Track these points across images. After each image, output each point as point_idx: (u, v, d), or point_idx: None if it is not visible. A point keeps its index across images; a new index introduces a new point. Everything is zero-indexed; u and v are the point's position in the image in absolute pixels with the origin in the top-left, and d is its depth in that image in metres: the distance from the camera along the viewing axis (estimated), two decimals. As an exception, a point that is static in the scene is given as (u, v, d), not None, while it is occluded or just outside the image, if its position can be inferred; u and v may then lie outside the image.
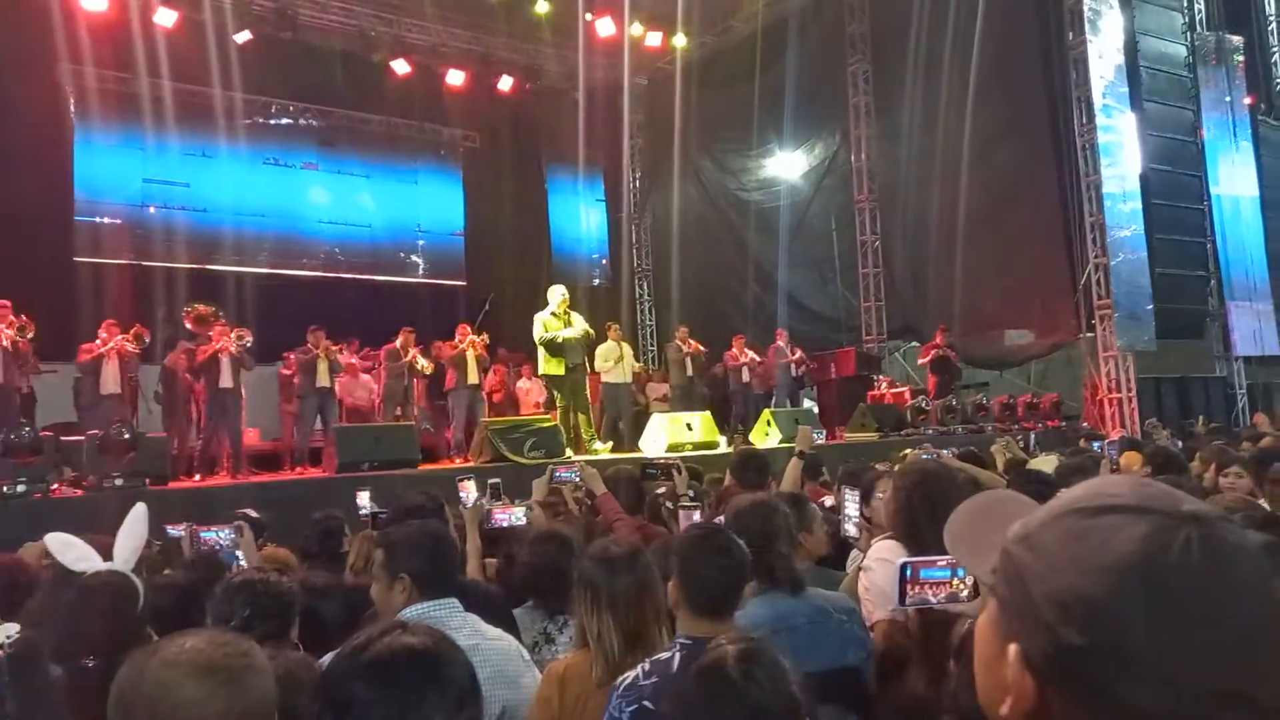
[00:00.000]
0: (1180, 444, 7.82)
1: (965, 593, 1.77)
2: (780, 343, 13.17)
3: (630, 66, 18.93)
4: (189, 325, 10.55)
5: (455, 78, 16.47)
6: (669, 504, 4.25)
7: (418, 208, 17.05)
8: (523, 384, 12.62)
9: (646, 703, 2.04)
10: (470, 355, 10.62)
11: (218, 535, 3.88)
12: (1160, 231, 13.93)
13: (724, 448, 9.95)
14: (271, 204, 15.38)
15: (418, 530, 2.46)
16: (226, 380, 9.26)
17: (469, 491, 4.37)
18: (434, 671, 1.30)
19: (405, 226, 16.89)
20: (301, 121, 15.83)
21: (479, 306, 15.00)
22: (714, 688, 1.65)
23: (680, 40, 17.09)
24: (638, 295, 20.21)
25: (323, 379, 10.01)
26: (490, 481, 4.65)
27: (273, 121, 15.62)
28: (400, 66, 15.57)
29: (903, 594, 1.81)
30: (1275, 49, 17.53)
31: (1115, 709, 0.67)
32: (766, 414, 10.60)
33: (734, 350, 13.01)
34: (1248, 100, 15.98)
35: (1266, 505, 3.75)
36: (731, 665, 1.67)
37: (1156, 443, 7.12)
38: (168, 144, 13.85)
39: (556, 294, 10.36)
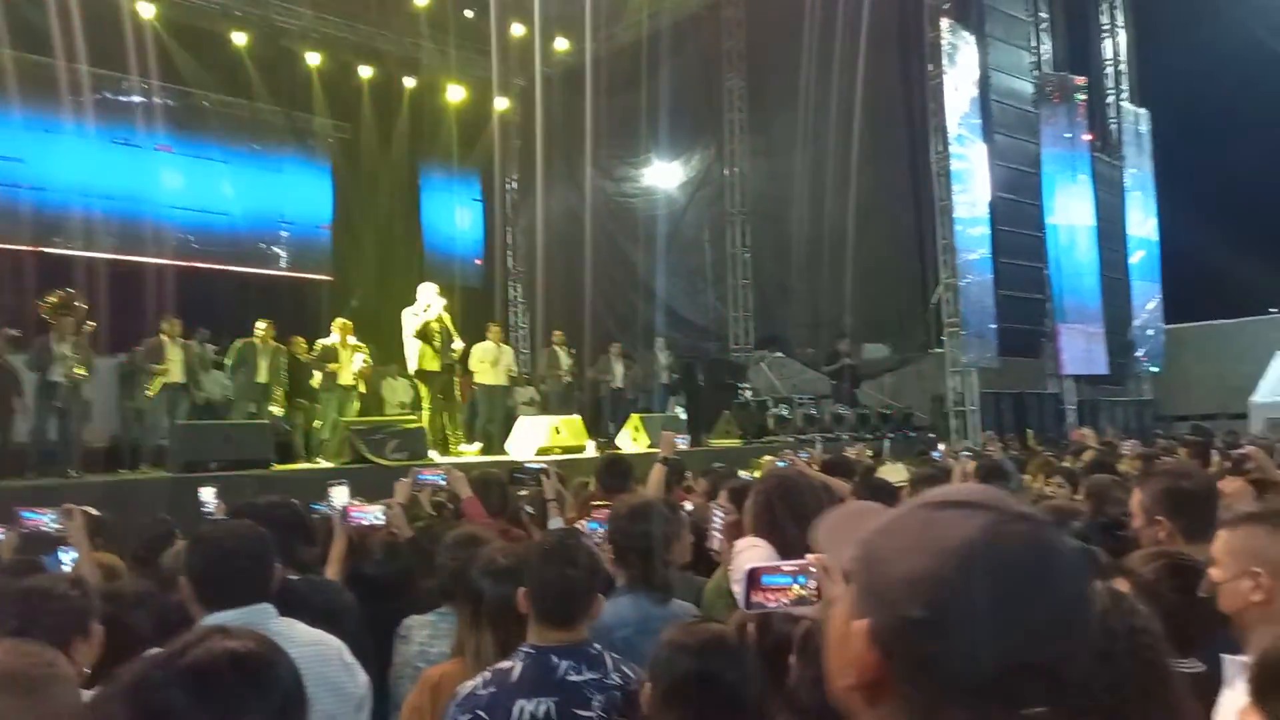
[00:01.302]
0: (1013, 455, 8.42)
1: (809, 597, 1.84)
2: (657, 350, 13.36)
3: (511, 67, 18.81)
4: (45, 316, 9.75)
5: (327, 65, 15.93)
6: (529, 508, 4.26)
7: (282, 197, 16.37)
8: (388, 383, 12.32)
9: (481, 713, 2.00)
10: (345, 354, 10.21)
11: (42, 518, 3.59)
12: (1004, 256, 14.92)
13: (593, 452, 10.02)
14: (120, 186, 14.44)
15: (212, 532, 2.29)
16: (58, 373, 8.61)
17: (339, 496, 4.25)
18: (256, 676, 1.26)
19: (267, 216, 16.18)
20: (156, 101, 14.93)
21: (345, 302, 14.54)
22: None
23: (562, 44, 17.12)
24: (510, 298, 20.07)
25: (174, 373, 9.48)
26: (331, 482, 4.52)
27: (123, 99, 14.67)
28: (268, 50, 14.93)
29: (747, 599, 1.82)
30: (1111, 91, 19.08)
31: (940, 677, 0.74)
32: (635, 419, 10.73)
33: (607, 355, 13.12)
34: (1086, 137, 17.31)
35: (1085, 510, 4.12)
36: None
37: (989, 454, 7.63)
38: (5, 115, 12.83)
39: (427, 292, 10.18)
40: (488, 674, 2.08)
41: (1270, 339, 17.43)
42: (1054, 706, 0.75)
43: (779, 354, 16.97)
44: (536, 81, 16.45)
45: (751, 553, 2.50)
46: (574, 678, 2.06)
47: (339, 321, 10.39)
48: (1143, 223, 19.01)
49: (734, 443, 11.49)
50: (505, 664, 2.09)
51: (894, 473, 5.55)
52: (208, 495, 4.70)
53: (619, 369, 12.95)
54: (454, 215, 18.91)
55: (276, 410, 10.27)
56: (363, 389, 10.33)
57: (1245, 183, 21.41)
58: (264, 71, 15.13)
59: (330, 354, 10.06)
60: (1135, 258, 18.55)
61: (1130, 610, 1.56)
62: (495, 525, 4.07)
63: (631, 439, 10.34)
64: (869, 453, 7.62)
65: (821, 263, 15.28)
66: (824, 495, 2.69)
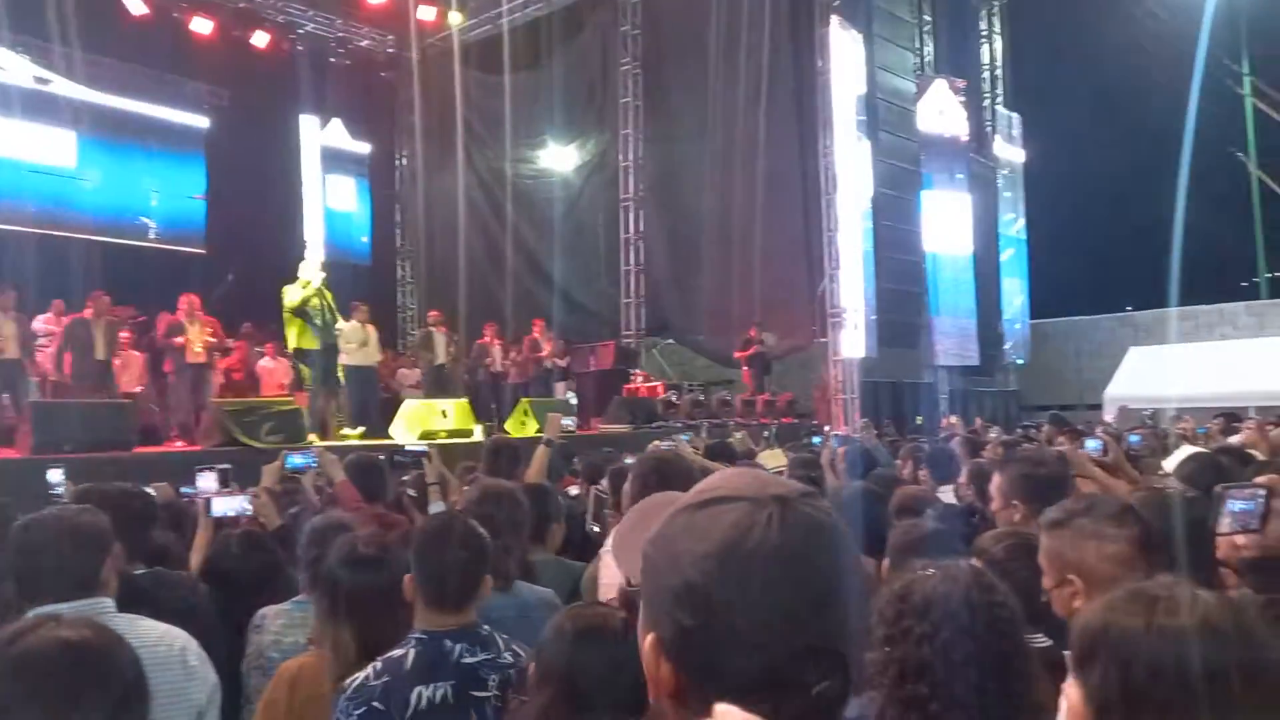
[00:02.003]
0: (890, 441, 8.75)
1: None
2: (536, 334, 13.20)
3: (403, 38, 18.29)
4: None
5: (202, 26, 15.10)
6: (411, 492, 4.16)
7: (152, 166, 15.43)
8: (265, 363, 11.82)
9: (376, 704, 1.96)
10: (194, 330, 9.68)
11: None
12: (885, 250, 15.46)
13: (480, 436, 9.87)
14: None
15: (33, 519, 2.09)
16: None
17: (205, 483, 4.04)
18: (93, 667, 1.19)
19: (135, 186, 15.23)
20: (13, 57, 13.83)
21: (220, 277, 13.87)
22: None
23: (455, 18, 16.73)
24: (400, 276, 19.59)
25: (10, 349, 8.83)
26: (219, 467, 4.31)
27: (-27, 51, 13.52)
28: (137, 7, 14.03)
29: (631, 578, 1.86)
30: (987, 94, 19.98)
31: (725, 679, 0.75)
32: (524, 403, 10.62)
33: (484, 339, 12.92)
34: (963, 138, 18.08)
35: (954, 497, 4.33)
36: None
37: (860, 441, 7.89)
38: None
39: (309, 268, 9.81)
40: (379, 664, 2.03)
41: (1124, 335, 18.71)
42: (840, 676, 0.76)
43: (670, 340, 17.14)
44: (458, 56, 15.98)
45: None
46: (469, 660, 2.06)
47: (184, 297, 9.86)
48: (1013, 222, 20.04)
49: (624, 428, 11.53)
50: (396, 652, 2.05)
51: (774, 458, 5.68)
52: (56, 478, 4.42)
53: (495, 352, 12.80)
54: (341, 190, 18.26)
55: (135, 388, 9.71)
56: (217, 366, 9.86)
57: (1107, 188, 22.83)
58: (135, 29, 14.21)
59: (176, 330, 9.54)
60: (1005, 255, 19.55)
61: (990, 587, 1.61)
62: (372, 510, 3.96)
63: (521, 423, 10.24)
64: (765, 436, 7.78)
65: (714, 251, 15.49)
66: (699, 478, 2.71)
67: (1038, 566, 1.99)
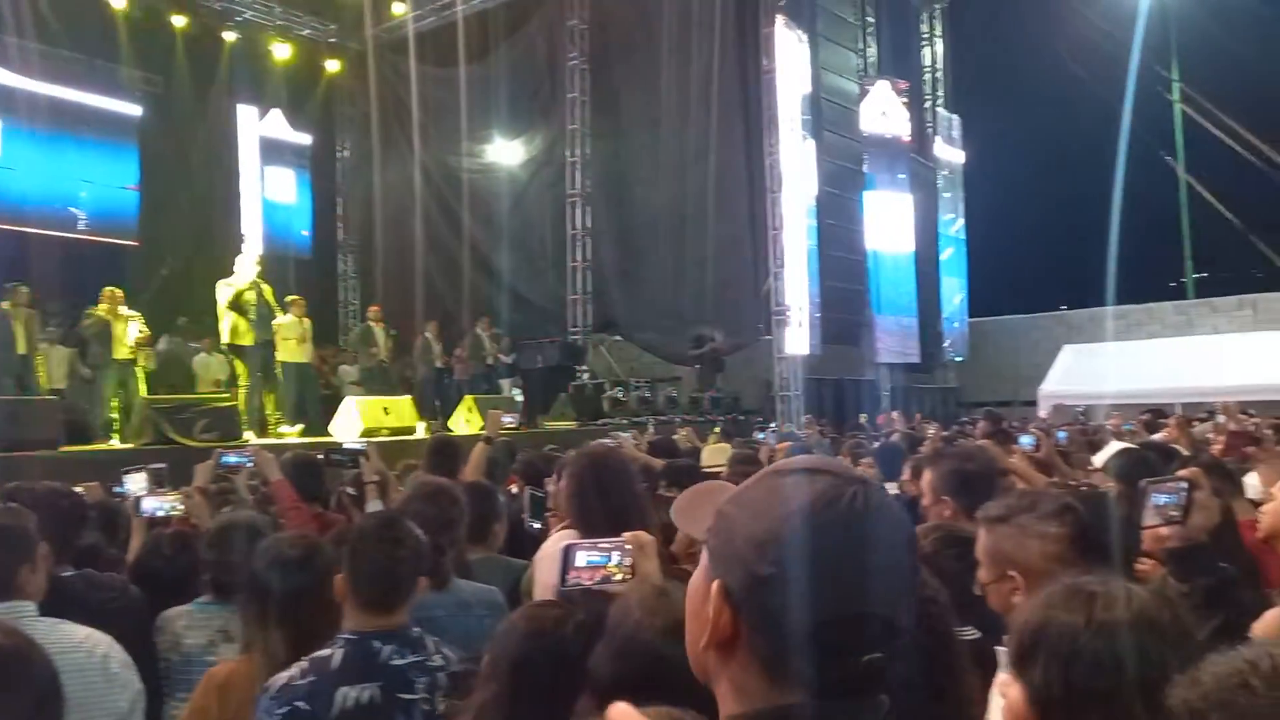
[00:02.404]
0: (833, 438, 8.88)
1: (620, 576, 1.84)
2: (481, 329, 13.07)
3: (345, 28, 17.99)
4: None
5: (136, 11, 14.63)
6: (350, 491, 4.10)
7: (82, 155, 14.91)
8: (200, 359, 11.53)
9: (300, 704, 1.93)
10: (118, 325, 9.36)
11: None
12: (829, 248, 15.64)
13: (423, 433, 9.76)
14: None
15: None
16: None
17: (134, 484, 3.92)
18: (3, 673, 1.15)
19: (64, 175, 14.70)
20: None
21: (154, 270, 13.50)
22: None
23: (400, 8, 16.49)
24: (341, 270, 19.26)
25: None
26: (153, 467, 4.20)
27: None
28: (65, -11, 13.55)
29: (563, 576, 1.84)
30: (928, 96, 20.34)
31: (786, 627, 0.81)
32: (469, 400, 10.53)
33: (426, 335, 12.76)
34: (905, 139, 18.38)
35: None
36: None
37: (805, 437, 8.01)
38: None
39: (246, 261, 9.59)
40: (305, 663, 2.00)
41: (1058, 333, 19.22)
42: (888, 652, 0.83)
43: (617, 337, 17.13)
44: (407, 45, 15.72)
45: (566, 535, 2.50)
46: (397, 662, 2.03)
47: (107, 290, 9.55)
48: (952, 222, 20.43)
49: (569, 425, 11.51)
50: (324, 652, 2.02)
51: (718, 453, 5.72)
52: (-22, 478, 4.23)
53: (437, 348, 12.66)
54: (280, 182, 17.87)
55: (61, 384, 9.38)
56: (144, 362, 9.55)
57: (1043, 189, 23.41)
58: (64, 13, 13.70)
59: (98, 325, 9.26)
60: (945, 254, 19.93)
61: (922, 581, 1.66)
62: (309, 511, 3.89)
63: (465, 421, 10.14)
64: (716, 432, 7.81)
65: (662, 248, 15.53)
66: (635, 475, 2.70)
67: (967, 560, 2.02)
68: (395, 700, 2.00)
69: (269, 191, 17.47)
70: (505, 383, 13.22)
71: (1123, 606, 1.19)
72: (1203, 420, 9.04)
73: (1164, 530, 2.33)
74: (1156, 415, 8.09)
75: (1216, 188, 18.80)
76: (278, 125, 17.45)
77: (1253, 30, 20.56)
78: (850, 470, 0.88)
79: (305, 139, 18.18)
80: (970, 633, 2.12)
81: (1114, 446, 4.43)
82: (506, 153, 17.68)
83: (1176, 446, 5.16)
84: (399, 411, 9.78)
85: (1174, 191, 20.26)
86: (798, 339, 14.55)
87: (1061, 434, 4.34)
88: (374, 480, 4.04)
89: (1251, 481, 3.63)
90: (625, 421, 11.93)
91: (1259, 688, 0.82)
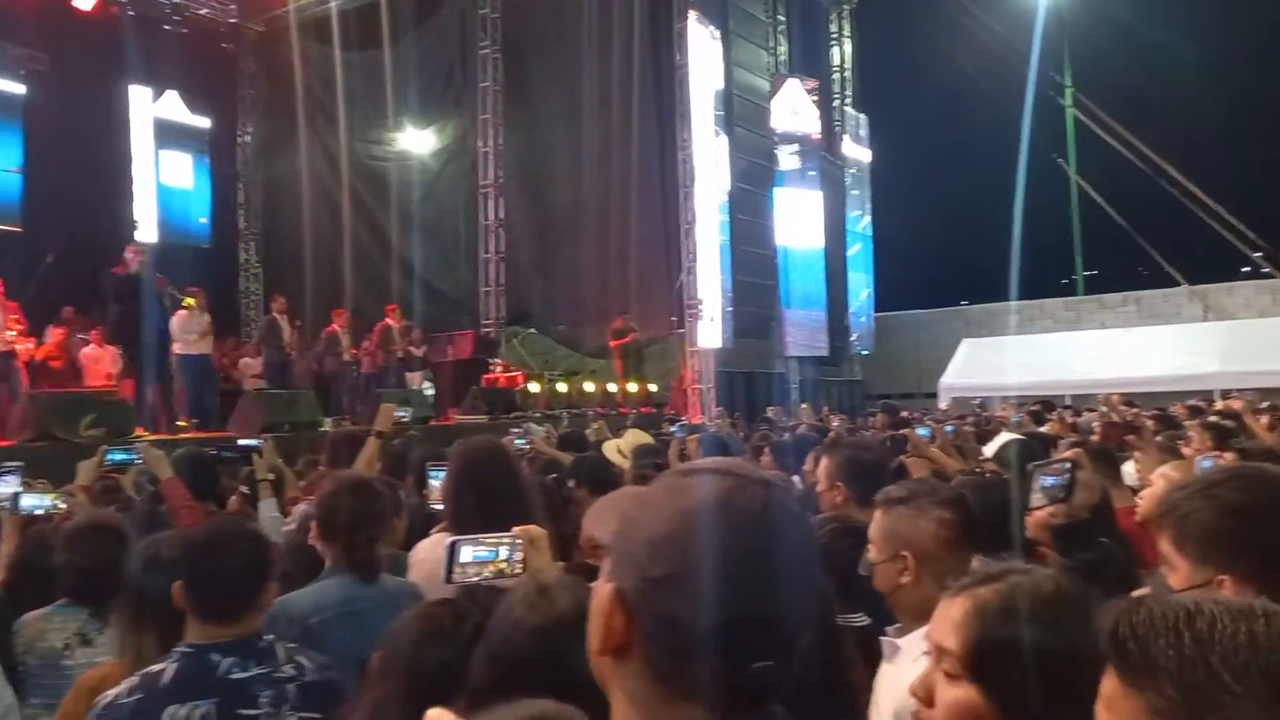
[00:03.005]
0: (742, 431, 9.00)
1: (511, 570, 1.80)
2: (389, 321, 12.74)
3: (246, 8, 17.35)
4: None
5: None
6: (245, 489, 3.96)
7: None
8: (90, 351, 10.97)
9: None
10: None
11: None
12: (740, 243, 15.86)
13: (330, 428, 9.50)
14: None
15: None
16: None
17: (5, 485, 3.72)
18: None
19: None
20: None
21: (38, 258, 12.78)
22: None
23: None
24: (243, 260, 18.60)
25: None
26: (7, 465, 3.99)
27: None
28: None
29: (449, 572, 1.79)
30: (837, 95, 20.78)
31: (675, 637, 0.78)
32: (385, 397, 10.23)
33: (334, 327, 12.42)
34: (815, 136, 18.74)
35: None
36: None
37: (716, 431, 8.11)
38: None
39: (138, 250, 9.17)
40: (135, 679, 1.87)
41: (957, 327, 19.95)
42: (780, 661, 0.80)
43: (531, 330, 17.01)
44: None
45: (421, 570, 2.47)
46: (238, 675, 1.91)
47: None
48: (859, 219, 20.96)
49: (481, 419, 11.37)
50: (157, 666, 1.90)
51: (637, 435, 5.71)
52: None
53: (346, 341, 12.35)
54: (176, 167, 17.11)
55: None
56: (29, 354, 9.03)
57: (944, 189, 24.22)
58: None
59: None
60: (852, 250, 20.44)
61: None
62: (201, 510, 3.75)
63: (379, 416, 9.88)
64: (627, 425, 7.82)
65: (577, 241, 15.49)
66: (519, 469, 2.66)
67: (860, 550, 2.08)
68: (234, 716, 1.89)
69: (164, 176, 16.71)
70: (415, 376, 12.97)
71: (1056, 600, 1.24)
72: (1090, 411, 9.52)
73: (1050, 508, 2.46)
74: (1045, 407, 8.47)
75: (1105, 189, 19.76)
76: (174, 107, 16.72)
77: (1139, 42, 21.66)
78: (754, 471, 0.85)
79: (204, 122, 17.46)
80: (860, 619, 2.19)
81: (1004, 437, 4.62)
82: (418, 141, 17.35)
83: (1061, 436, 5.42)
84: (302, 406, 9.50)
85: (1066, 192, 21.24)
86: (710, 332, 14.72)
87: (949, 428, 4.51)
88: (265, 479, 3.91)
89: (1128, 469, 3.82)
90: (538, 415, 11.86)
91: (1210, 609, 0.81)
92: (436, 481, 3.22)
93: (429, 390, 12.70)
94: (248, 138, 18.55)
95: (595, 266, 15.32)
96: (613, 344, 14.30)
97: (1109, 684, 0.84)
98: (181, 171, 17.18)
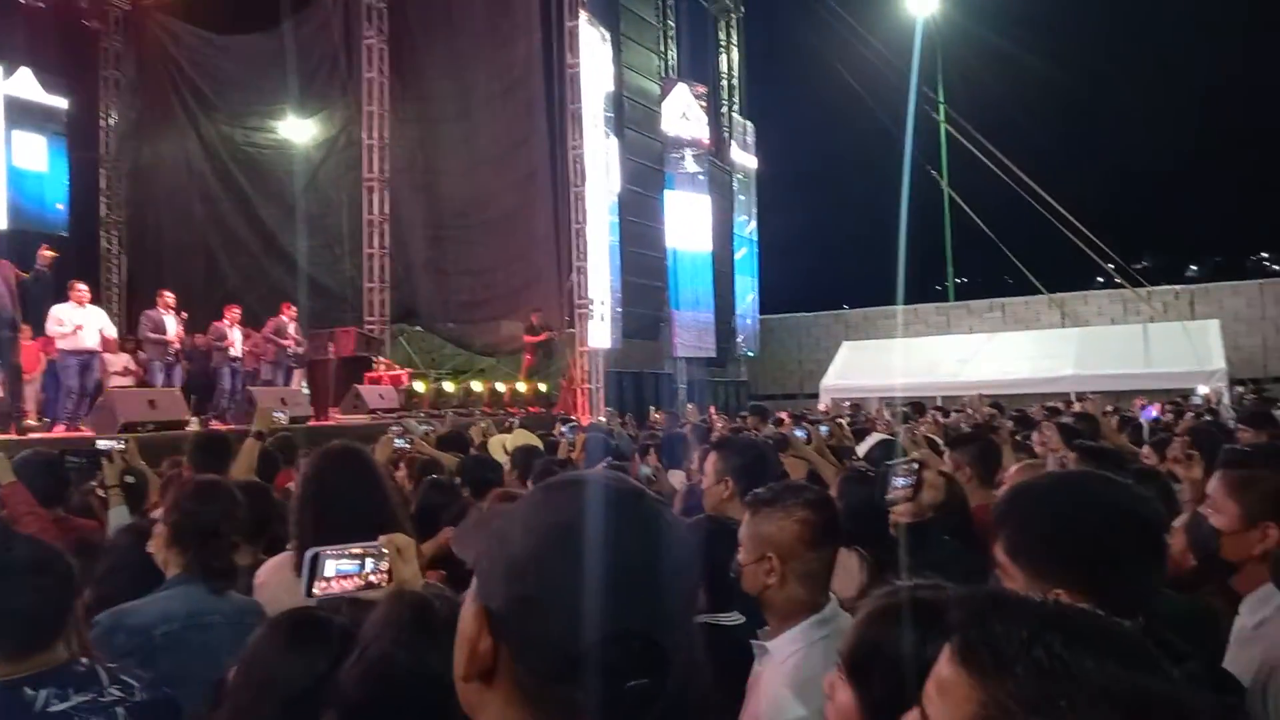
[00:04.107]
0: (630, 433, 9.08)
1: (379, 580, 1.71)
2: (285, 317, 12.20)
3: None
4: None
5: None
6: (101, 493, 3.74)
7: None
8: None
9: None
10: None
11: None
12: (630, 245, 15.97)
13: (197, 427, 9.05)
14: None
15: None
16: None
17: None
18: None
19: None
20: None
21: None
22: None
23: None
24: (105, 250, 17.51)
25: None
26: None
27: None
28: None
29: (309, 586, 1.69)
30: (725, 102, 21.18)
31: (544, 656, 0.75)
32: (250, 392, 9.83)
33: (222, 322, 11.84)
34: (704, 142, 19.05)
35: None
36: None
37: (609, 429, 8.14)
38: None
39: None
40: None
41: (837, 330, 20.65)
42: (656, 677, 0.76)
43: (418, 328, 16.64)
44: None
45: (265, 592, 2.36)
46: (58, 707, 1.76)
47: None
48: (746, 224, 21.42)
49: (362, 418, 11.06)
50: None
51: (513, 441, 5.67)
52: None
53: (236, 335, 11.80)
54: (29, 148, 15.95)
55: None
56: None
57: (826, 196, 24.99)
58: None
59: None
60: (739, 254, 20.87)
61: None
62: (48, 516, 3.51)
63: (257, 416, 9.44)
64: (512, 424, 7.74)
65: (466, 238, 15.25)
66: (381, 475, 2.55)
67: (730, 549, 2.12)
68: None
69: (17, 158, 15.56)
70: (297, 373, 12.49)
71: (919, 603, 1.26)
72: (957, 412, 10.01)
73: (901, 507, 2.58)
74: (916, 408, 8.85)
75: (975, 201, 20.79)
76: (27, 86, 15.58)
77: (1008, 62, 22.84)
78: (626, 482, 0.83)
79: (61, 103, 16.34)
80: (734, 618, 2.24)
81: (874, 438, 4.80)
82: (300, 130, 16.71)
83: (933, 438, 5.68)
84: (167, 404, 9.00)
85: (939, 203, 22.25)
86: (600, 333, 14.75)
87: (824, 428, 4.68)
88: (116, 485, 3.68)
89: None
90: (423, 414, 11.62)
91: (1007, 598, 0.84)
92: None
93: (304, 390, 12.24)
94: (112, 121, 17.49)
95: (486, 265, 15.13)
96: (527, 340, 14.11)
97: (947, 667, 0.81)
98: (35, 154, 16.00)
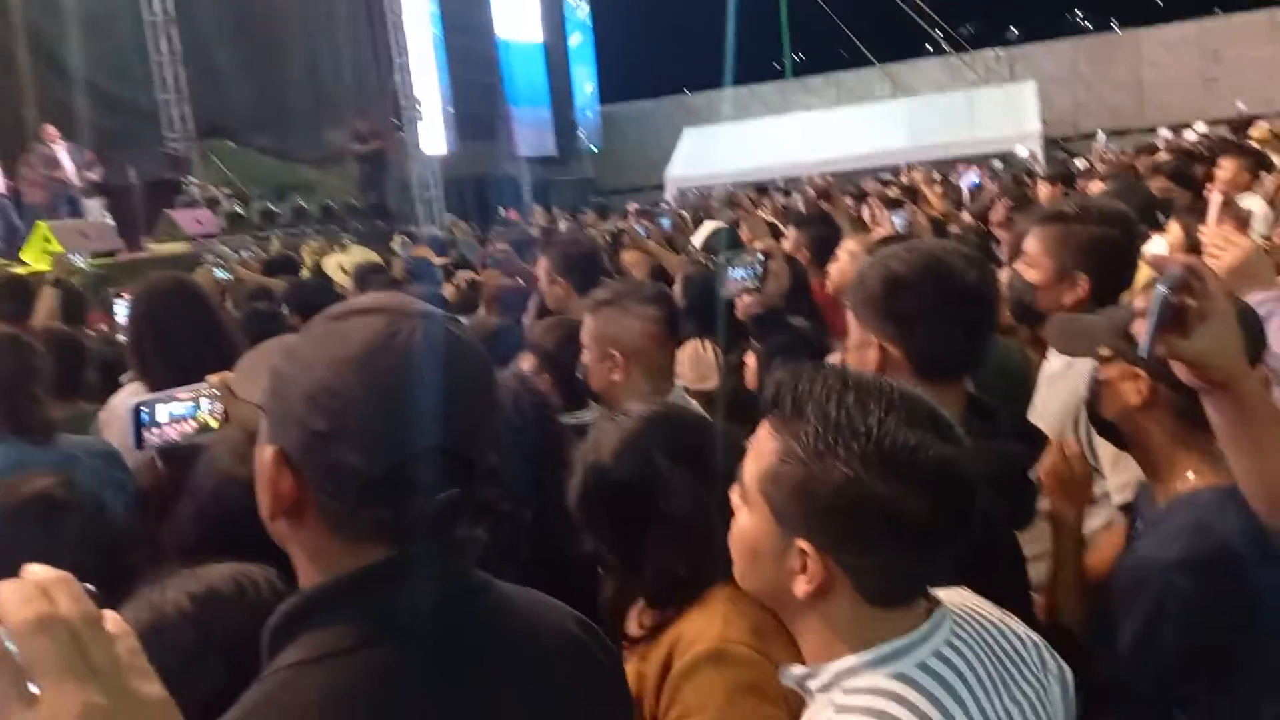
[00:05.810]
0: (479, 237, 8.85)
1: (214, 423, 1.69)
2: (50, 139, 10.75)
3: None
4: None
5: None
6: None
7: None
8: None
9: None
10: None
11: None
12: (455, 36, 14.88)
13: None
14: None
15: None
16: None
17: None
18: None
19: None
20: None
21: None
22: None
23: None
24: None
25: None
26: None
27: None
28: None
29: (140, 438, 1.66)
30: None
31: (350, 483, 0.77)
32: (43, 228, 8.73)
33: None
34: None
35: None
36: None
37: (458, 239, 7.90)
38: None
39: None
40: None
41: (679, 117, 20.30)
42: (467, 487, 0.80)
43: (230, 143, 15.20)
44: None
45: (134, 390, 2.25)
46: None
47: None
48: (577, 8, 20.28)
49: (179, 247, 10.24)
50: None
51: (350, 260, 5.42)
52: None
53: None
54: None
55: None
56: None
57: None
58: None
59: None
60: (574, 41, 19.87)
61: (532, 388, 1.75)
62: None
63: (40, 252, 8.47)
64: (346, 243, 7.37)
65: (275, 41, 13.72)
66: (214, 306, 2.43)
67: (579, 351, 2.13)
68: None
69: None
70: (93, 204, 11.27)
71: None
72: (799, 193, 10.24)
73: (746, 297, 2.66)
74: (759, 191, 8.98)
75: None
76: None
77: None
78: (410, 305, 0.83)
79: None
80: (577, 418, 2.28)
81: (709, 225, 4.84)
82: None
83: (774, 221, 5.79)
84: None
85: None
86: (432, 136, 13.99)
87: (666, 221, 4.67)
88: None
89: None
90: (249, 237, 10.92)
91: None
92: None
93: (108, 220, 11.08)
94: None
95: (297, 71, 13.77)
96: (358, 150, 13.11)
97: (762, 430, 0.94)
98: None
